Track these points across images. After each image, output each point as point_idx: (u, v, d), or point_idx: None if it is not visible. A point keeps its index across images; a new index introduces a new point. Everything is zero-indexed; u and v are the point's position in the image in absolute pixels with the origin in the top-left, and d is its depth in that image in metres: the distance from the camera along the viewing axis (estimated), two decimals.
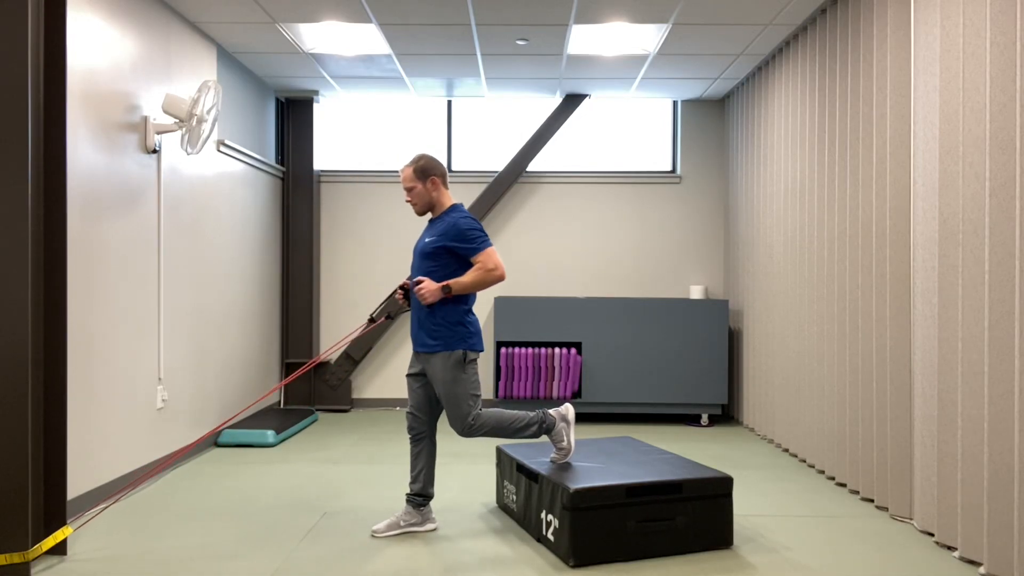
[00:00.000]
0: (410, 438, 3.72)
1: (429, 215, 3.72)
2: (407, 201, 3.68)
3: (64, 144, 3.26)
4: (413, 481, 3.70)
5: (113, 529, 3.72)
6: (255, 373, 6.45)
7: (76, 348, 3.86)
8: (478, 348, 3.60)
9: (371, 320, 3.73)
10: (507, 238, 7.26)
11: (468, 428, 3.54)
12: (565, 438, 3.71)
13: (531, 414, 3.66)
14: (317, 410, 7.09)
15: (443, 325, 3.53)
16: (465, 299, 3.59)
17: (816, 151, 4.94)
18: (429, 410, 3.69)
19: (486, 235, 3.56)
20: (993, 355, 3.09)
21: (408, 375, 3.71)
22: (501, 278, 3.52)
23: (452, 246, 3.52)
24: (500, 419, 3.59)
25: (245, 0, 4.82)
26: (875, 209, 4.12)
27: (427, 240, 3.59)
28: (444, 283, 3.47)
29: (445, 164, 7.30)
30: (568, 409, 3.75)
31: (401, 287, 3.69)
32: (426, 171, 3.61)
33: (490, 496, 4.32)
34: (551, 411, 3.72)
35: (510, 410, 3.67)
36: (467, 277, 3.49)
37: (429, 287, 3.45)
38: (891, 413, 3.95)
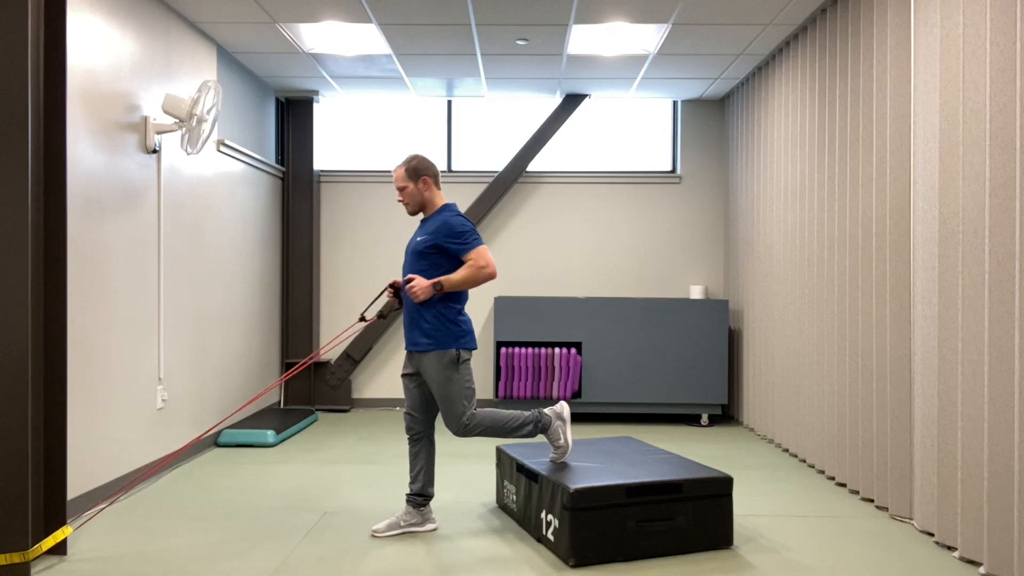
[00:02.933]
0: (408, 438, 3.72)
1: (421, 215, 3.73)
2: (399, 201, 3.69)
3: (64, 144, 3.26)
4: (413, 481, 3.70)
5: (113, 529, 3.72)
6: (255, 373, 6.45)
7: (76, 348, 3.86)
8: (471, 347, 3.60)
9: (362, 319, 3.71)
10: (507, 238, 7.26)
11: (463, 428, 3.54)
12: (562, 436, 3.71)
13: (526, 413, 3.67)
14: (317, 410, 7.09)
15: (436, 324, 3.54)
16: (457, 298, 3.59)
17: (816, 151, 4.94)
18: (426, 410, 3.70)
19: (478, 234, 3.57)
20: (993, 355, 3.09)
21: (403, 375, 3.72)
22: (492, 275, 3.51)
23: (444, 244, 3.53)
24: (495, 419, 3.59)
25: (245, 0, 4.82)
26: (875, 209, 4.12)
27: (419, 239, 3.61)
28: (435, 280, 3.47)
29: (445, 164, 7.31)
30: (563, 407, 3.75)
31: (391, 285, 3.68)
32: (418, 171, 3.63)
33: (490, 496, 4.32)
34: (546, 410, 3.73)
35: (505, 410, 3.67)
36: (458, 274, 3.49)
37: (420, 284, 3.46)
38: (891, 413, 3.95)
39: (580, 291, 7.26)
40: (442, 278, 3.48)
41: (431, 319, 3.54)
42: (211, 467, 4.97)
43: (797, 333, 5.23)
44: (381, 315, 3.72)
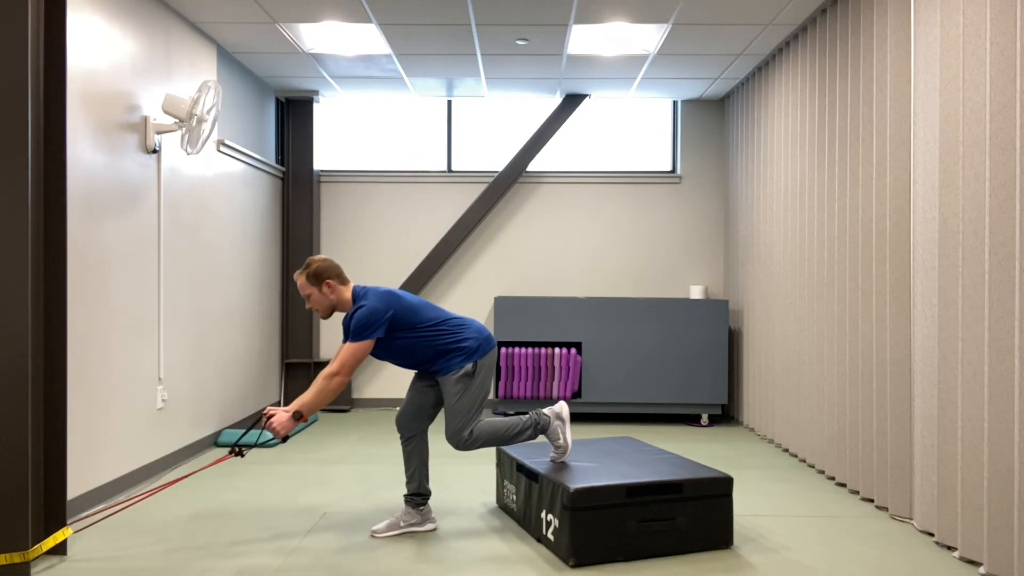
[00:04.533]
0: (401, 438, 3.73)
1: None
2: (308, 308, 3.62)
3: (64, 144, 3.26)
4: (409, 481, 3.70)
5: (113, 529, 3.72)
6: (255, 373, 6.45)
7: (76, 348, 3.86)
8: (486, 351, 3.60)
9: (233, 452, 3.52)
10: (507, 238, 7.26)
11: (463, 442, 3.55)
12: (561, 436, 3.71)
13: (524, 417, 3.67)
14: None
15: (444, 359, 3.55)
16: (450, 329, 3.57)
17: (816, 151, 4.94)
18: (426, 412, 3.70)
19: (370, 328, 3.42)
20: (993, 355, 3.09)
21: (418, 375, 3.72)
22: (339, 387, 3.39)
23: None
24: (495, 429, 3.59)
25: (245, 0, 4.82)
26: (875, 209, 4.12)
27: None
28: (294, 410, 3.35)
29: (446, 164, 7.31)
30: (562, 407, 3.75)
31: (264, 415, 3.44)
32: (319, 275, 3.52)
33: (490, 496, 4.32)
34: (545, 410, 3.73)
35: (504, 418, 3.67)
36: (309, 394, 3.38)
37: (279, 419, 3.34)
38: (891, 413, 3.95)
39: (580, 291, 7.26)
40: (300, 405, 3.36)
41: (436, 358, 3.55)
42: (211, 467, 4.97)
43: (797, 333, 5.23)
44: (240, 452, 3.48)
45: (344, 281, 3.57)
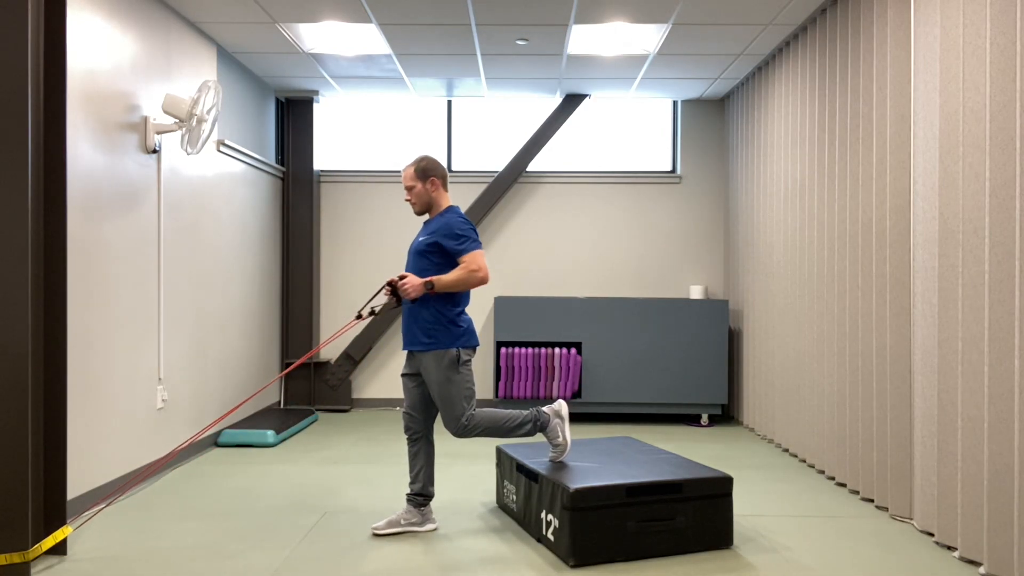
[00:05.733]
0: (407, 438, 3.73)
1: (426, 216, 3.78)
2: (407, 200, 3.73)
3: (64, 144, 3.26)
4: (413, 481, 3.70)
5: (113, 529, 3.72)
6: (255, 373, 6.45)
7: (76, 348, 3.86)
8: (472, 344, 3.63)
9: (359, 316, 3.73)
10: (507, 238, 7.26)
11: (462, 428, 3.56)
12: (560, 434, 3.72)
13: (525, 412, 3.68)
14: (317, 410, 7.09)
15: (436, 324, 3.56)
16: (457, 299, 3.62)
17: (816, 151, 4.94)
18: (425, 410, 3.70)
19: (477, 237, 3.61)
20: (993, 355, 3.09)
21: (403, 375, 3.72)
22: (483, 280, 3.55)
23: (443, 243, 3.57)
24: (494, 419, 3.61)
25: (245, 0, 4.82)
26: (875, 209, 4.12)
27: (421, 239, 3.66)
28: (427, 279, 3.50)
29: (445, 164, 7.30)
30: (561, 405, 3.76)
31: (389, 283, 3.62)
32: (427, 172, 3.68)
33: (490, 496, 4.32)
34: (545, 408, 3.74)
35: (504, 409, 3.68)
36: (451, 275, 3.53)
37: (412, 282, 3.50)
38: (891, 413, 3.95)
39: (580, 291, 7.26)
40: (434, 277, 3.52)
41: (430, 319, 3.56)
42: (211, 467, 4.97)
43: (797, 333, 5.23)
44: (373, 312, 3.75)
45: (446, 187, 3.75)
